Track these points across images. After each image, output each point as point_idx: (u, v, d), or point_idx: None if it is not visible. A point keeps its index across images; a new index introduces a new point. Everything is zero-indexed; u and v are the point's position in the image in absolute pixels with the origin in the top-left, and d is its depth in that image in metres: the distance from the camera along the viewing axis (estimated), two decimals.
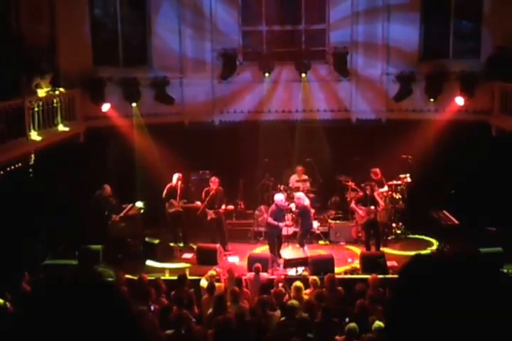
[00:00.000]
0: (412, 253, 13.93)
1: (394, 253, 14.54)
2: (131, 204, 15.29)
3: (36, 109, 13.49)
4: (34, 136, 13.26)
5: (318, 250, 14.74)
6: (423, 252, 13.00)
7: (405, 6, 16.50)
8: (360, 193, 14.75)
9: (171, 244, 15.04)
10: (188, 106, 16.92)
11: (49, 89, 14.40)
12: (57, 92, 14.53)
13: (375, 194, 14.43)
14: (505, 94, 14.89)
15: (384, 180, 15.26)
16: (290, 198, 15.01)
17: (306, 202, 14.37)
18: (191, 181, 16.29)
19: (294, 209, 14.34)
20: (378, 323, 9.05)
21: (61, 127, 14.69)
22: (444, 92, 16.23)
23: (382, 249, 14.31)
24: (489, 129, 15.48)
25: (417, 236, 15.69)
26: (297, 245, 14.25)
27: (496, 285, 1.38)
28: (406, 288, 1.43)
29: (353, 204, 14.79)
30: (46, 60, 15.12)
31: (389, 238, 15.30)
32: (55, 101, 14.41)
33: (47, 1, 15.74)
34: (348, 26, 16.65)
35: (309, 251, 14.04)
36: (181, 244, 15.20)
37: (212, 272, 12.02)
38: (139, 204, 15.37)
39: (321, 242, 15.35)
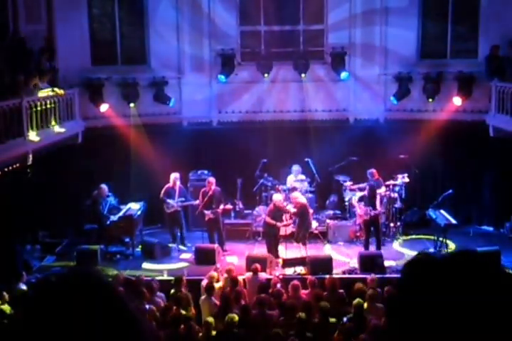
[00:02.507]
0: (410, 253, 13.96)
1: (392, 252, 14.54)
2: (129, 204, 15.28)
3: (34, 109, 13.46)
4: (32, 136, 13.21)
5: (316, 250, 14.73)
6: (424, 252, 12.99)
7: (403, 7, 16.48)
8: (360, 193, 14.72)
9: (169, 244, 15.04)
10: (186, 106, 16.91)
11: (47, 89, 14.38)
12: (55, 93, 14.50)
13: (377, 196, 14.30)
14: (503, 94, 14.89)
15: (381, 180, 15.23)
16: (288, 198, 15.00)
17: (304, 201, 14.34)
18: (190, 181, 16.28)
19: (292, 209, 14.32)
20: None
21: (59, 127, 14.65)
22: (442, 92, 16.24)
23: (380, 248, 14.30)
24: (487, 129, 15.49)
25: (414, 236, 15.68)
26: (295, 244, 14.22)
27: (497, 284, 1.39)
28: (408, 287, 1.44)
29: (354, 201, 14.72)
30: (44, 60, 15.11)
31: (387, 238, 15.27)
32: (53, 101, 14.39)
33: (45, 1, 15.72)
34: (347, 27, 16.64)
35: (308, 251, 14.04)
36: (180, 245, 15.18)
37: (213, 273, 11.99)
38: (137, 204, 15.36)
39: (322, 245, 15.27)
